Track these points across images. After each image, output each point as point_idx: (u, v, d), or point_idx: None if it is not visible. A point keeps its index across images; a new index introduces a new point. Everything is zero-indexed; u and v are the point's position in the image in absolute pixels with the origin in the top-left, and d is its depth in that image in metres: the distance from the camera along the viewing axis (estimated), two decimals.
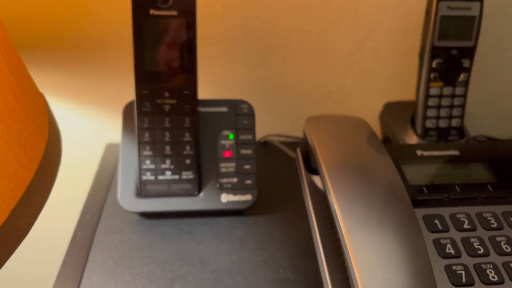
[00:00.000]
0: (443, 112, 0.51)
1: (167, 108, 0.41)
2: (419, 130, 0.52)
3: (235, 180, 0.44)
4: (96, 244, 0.41)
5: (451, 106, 0.51)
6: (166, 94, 0.41)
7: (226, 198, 0.43)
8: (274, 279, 0.38)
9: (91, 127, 0.57)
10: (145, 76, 0.41)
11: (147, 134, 0.42)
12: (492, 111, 0.61)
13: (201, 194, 0.43)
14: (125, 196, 0.42)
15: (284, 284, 0.37)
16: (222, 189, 0.44)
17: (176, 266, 0.39)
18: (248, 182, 0.44)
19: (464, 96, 0.51)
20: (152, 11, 0.40)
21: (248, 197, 0.44)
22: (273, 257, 0.40)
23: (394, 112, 0.56)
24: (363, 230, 0.30)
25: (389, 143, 0.55)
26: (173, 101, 0.41)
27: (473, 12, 0.48)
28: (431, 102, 0.50)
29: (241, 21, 0.52)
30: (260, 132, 0.59)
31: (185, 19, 0.40)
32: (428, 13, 0.48)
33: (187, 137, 0.42)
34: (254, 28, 0.52)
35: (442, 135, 0.52)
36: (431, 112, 0.51)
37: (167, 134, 0.42)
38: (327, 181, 0.34)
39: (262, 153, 0.57)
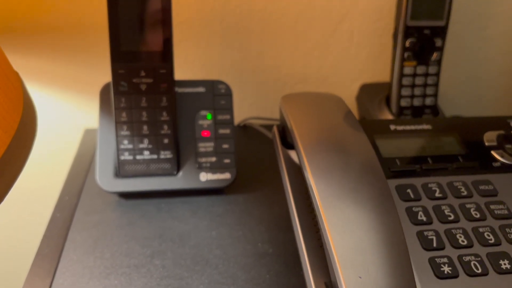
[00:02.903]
0: (417, 91, 0.52)
1: (143, 87, 0.41)
2: (394, 109, 0.53)
3: (213, 159, 0.44)
4: (75, 224, 0.41)
5: (425, 85, 0.52)
6: (143, 73, 0.41)
7: (205, 177, 0.44)
8: (252, 252, 0.38)
9: (69, 113, 0.57)
10: (121, 55, 0.41)
11: (124, 114, 0.42)
12: (467, 91, 0.63)
13: (180, 174, 0.44)
14: (104, 176, 0.42)
15: (263, 257, 0.38)
16: (200, 168, 0.44)
17: (155, 243, 0.39)
18: (227, 161, 0.45)
19: (437, 75, 0.52)
20: None
21: (227, 175, 0.44)
22: (252, 232, 0.41)
23: (370, 93, 0.57)
24: (337, 201, 0.31)
25: (364, 119, 0.56)
26: (149, 80, 0.41)
27: None
28: (405, 81, 0.51)
29: (218, 4, 0.52)
30: (240, 116, 0.59)
31: None
32: None
33: (165, 116, 0.42)
34: (230, 11, 0.53)
35: (417, 114, 0.53)
36: (405, 91, 0.52)
37: (144, 113, 0.42)
38: (303, 154, 0.34)
39: (242, 136, 0.57)
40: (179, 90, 0.45)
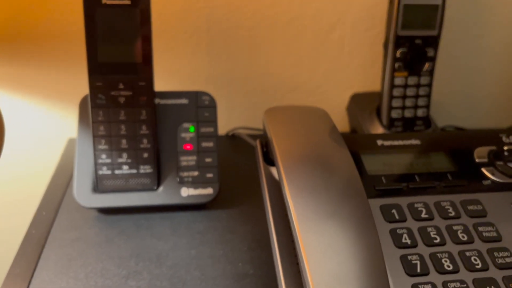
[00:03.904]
0: (409, 102, 0.51)
1: (122, 100, 0.40)
2: (384, 121, 0.51)
3: (196, 173, 0.43)
4: (51, 241, 0.39)
5: (417, 96, 0.51)
6: (121, 86, 0.40)
7: (186, 192, 0.42)
8: (232, 273, 0.37)
9: (52, 122, 0.56)
10: (98, 68, 0.39)
11: (102, 128, 0.40)
12: (463, 101, 0.61)
13: (160, 189, 0.42)
14: (81, 191, 0.41)
15: (243, 278, 0.37)
16: (182, 183, 0.43)
17: (132, 263, 0.37)
18: (209, 175, 0.43)
19: (430, 85, 0.51)
20: (104, 1, 0.38)
21: (209, 190, 0.43)
22: (233, 251, 0.39)
23: (360, 103, 0.55)
24: (314, 222, 0.29)
25: (350, 134, 0.54)
26: (128, 93, 0.40)
27: (436, 1, 0.48)
28: (396, 92, 0.50)
29: (204, 12, 0.51)
30: (229, 125, 0.58)
31: (139, 8, 0.39)
32: (391, 2, 0.48)
33: (144, 130, 0.41)
34: (217, 20, 0.51)
35: (408, 126, 0.51)
36: (396, 103, 0.50)
37: (122, 127, 0.41)
38: (282, 171, 0.33)
39: (230, 146, 0.56)
40: (161, 101, 0.44)
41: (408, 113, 0.51)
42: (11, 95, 0.53)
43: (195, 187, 0.43)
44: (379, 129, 0.51)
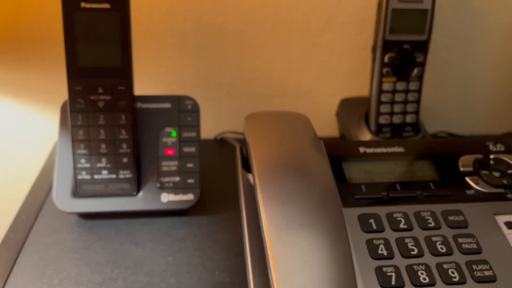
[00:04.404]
0: (397, 108, 0.50)
1: (101, 104, 0.40)
2: (372, 127, 0.50)
3: (177, 179, 0.43)
4: (28, 246, 0.39)
5: (405, 102, 0.50)
6: (100, 90, 0.39)
7: (166, 197, 0.42)
8: (208, 281, 0.36)
9: (40, 125, 0.55)
10: (77, 72, 0.39)
11: (81, 132, 0.40)
12: (457, 107, 0.60)
13: (140, 194, 0.42)
14: (61, 196, 0.41)
15: (218, 286, 0.36)
16: (163, 188, 0.42)
17: (108, 269, 0.37)
18: (191, 181, 0.43)
19: (419, 91, 0.50)
20: (83, 4, 0.38)
21: (189, 196, 0.42)
22: (211, 258, 0.39)
23: (349, 108, 0.54)
24: (285, 232, 0.29)
25: (337, 141, 0.54)
26: (107, 97, 0.40)
27: (425, 5, 0.47)
28: (384, 97, 0.49)
29: (191, 16, 0.50)
30: (217, 129, 0.57)
31: (118, 12, 0.38)
32: (379, 5, 0.47)
33: (124, 134, 0.41)
34: (204, 23, 0.51)
35: (396, 132, 0.50)
36: (384, 108, 0.50)
37: (102, 131, 0.40)
38: (256, 179, 0.32)
39: (217, 150, 0.55)
40: (143, 106, 0.43)
41: (396, 119, 0.50)
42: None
43: (176, 193, 0.42)
44: (367, 135, 0.50)
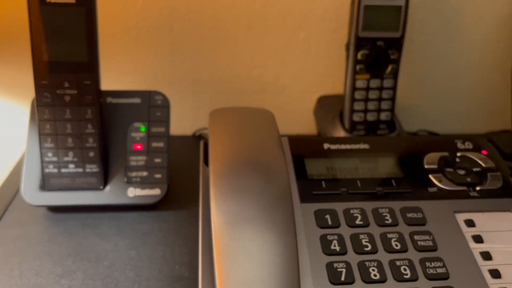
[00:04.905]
0: (371, 105, 0.49)
1: (67, 98, 0.40)
2: (346, 124, 0.50)
3: (144, 174, 0.43)
4: None
5: (380, 99, 0.49)
6: (66, 84, 0.40)
7: (133, 192, 0.42)
8: (167, 275, 0.37)
9: (19, 120, 0.56)
10: (43, 66, 0.39)
11: (48, 126, 0.40)
12: (436, 105, 0.60)
13: (107, 188, 0.42)
14: (28, 189, 0.41)
15: (176, 281, 0.36)
16: (130, 183, 0.42)
17: (69, 261, 0.37)
18: (158, 176, 0.43)
19: (393, 88, 0.49)
20: None
21: (156, 191, 0.42)
22: (173, 253, 0.39)
23: (326, 106, 0.54)
24: (232, 226, 0.29)
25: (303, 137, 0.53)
26: (73, 92, 0.40)
27: (398, 2, 0.46)
28: (358, 95, 0.49)
29: (165, 11, 0.51)
30: (195, 125, 0.58)
31: (84, 7, 0.39)
32: (352, 2, 0.47)
33: (90, 129, 0.41)
34: (179, 19, 0.51)
35: (371, 129, 0.50)
36: (358, 106, 0.49)
37: (68, 125, 0.40)
38: (210, 173, 0.33)
39: (194, 147, 0.55)
40: (113, 100, 0.44)
41: (370, 117, 0.50)
42: None
43: (143, 188, 0.42)
44: (341, 133, 0.50)
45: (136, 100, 0.44)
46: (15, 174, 0.48)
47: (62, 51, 0.39)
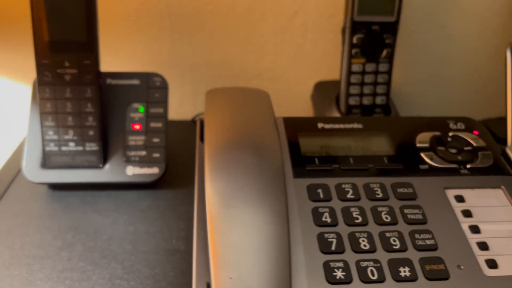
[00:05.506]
0: (367, 90, 0.50)
1: (67, 78, 0.41)
2: (342, 108, 0.51)
3: (143, 153, 0.44)
4: None
5: (375, 83, 0.50)
6: (67, 64, 0.41)
7: (132, 171, 0.43)
8: (164, 249, 0.37)
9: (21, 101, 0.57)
10: (44, 46, 0.40)
11: (48, 105, 0.41)
12: (432, 91, 0.60)
13: (107, 166, 0.43)
14: (30, 167, 0.42)
15: (173, 254, 0.37)
16: (128, 161, 0.43)
17: (69, 235, 0.38)
18: (156, 155, 0.44)
19: (388, 73, 0.50)
20: None
21: (155, 170, 0.43)
22: (170, 228, 0.40)
23: (323, 91, 0.55)
24: (225, 199, 0.30)
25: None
26: (73, 71, 0.41)
27: None
28: (354, 79, 0.50)
29: None
30: (193, 110, 0.58)
31: None
32: None
33: (89, 108, 0.42)
34: (177, 4, 0.52)
35: (366, 113, 0.51)
36: (353, 89, 0.50)
37: (68, 104, 0.41)
38: (205, 150, 0.33)
39: (192, 131, 0.56)
40: (112, 82, 0.45)
41: (366, 101, 0.50)
42: None
43: (141, 166, 0.43)
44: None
45: (135, 82, 0.45)
46: (18, 153, 0.49)
47: (62, 31, 0.40)
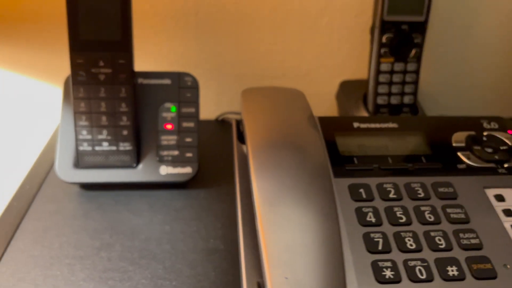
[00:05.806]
0: (395, 89, 0.50)
1: (102, 77, 0.41)
2: (370, 107, 0.51)
3: (175, 152, 0.44)
4: (30, 213, 0.40)
5: (403, 83, 0.50)
6: (101, 63, 0.41)
7: (165, 170, 0.43)
8: (202, 248, 0.37)
9: (49, 100, 0.57)
10: (79, 45, 0.40)
11: (82, 104, 0.41)
12: (454, 90, 0.61)
13: (140, 166, 0.43)
14: (63, 166, 0.42)
15: (212, 253, 0.37)
16: (162, 161, 0.43)
17: (106, 235, 0.38)
18: (189, 155, 0.44)
19: (417, 72, 0.50)
20: None
21: (188, 169, 0.43)
22: (206, 228, 0.40)
23: (349, 90, 0.55)
24: (274, 195, 0.30)
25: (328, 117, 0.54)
26: (108, 70, 0.41)
27: None
28: (382, 78, 0.50)
29: None
30: (218, 110, 0.58)
31: None
32: None
33: (124, 107, 0.42)
34: (205, 3, 0.52)
35: (394, 112, 0.51)
36: (382, 89, 0.50)
37: (103, 104, 0.41)
38: (249, 148, 0.33)
39: (218, 131, 0.56)
40: (143, 81, 0.44)
41: (394, 100, 0.50)
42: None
43: (174, 166, 0.43)
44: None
45: (167, 81, 0.45)
46: (46, 153, 0.49)
47: (97, 30, 0.40)
